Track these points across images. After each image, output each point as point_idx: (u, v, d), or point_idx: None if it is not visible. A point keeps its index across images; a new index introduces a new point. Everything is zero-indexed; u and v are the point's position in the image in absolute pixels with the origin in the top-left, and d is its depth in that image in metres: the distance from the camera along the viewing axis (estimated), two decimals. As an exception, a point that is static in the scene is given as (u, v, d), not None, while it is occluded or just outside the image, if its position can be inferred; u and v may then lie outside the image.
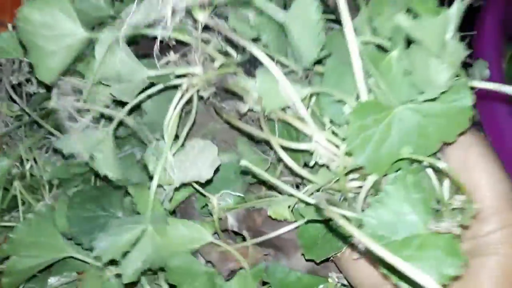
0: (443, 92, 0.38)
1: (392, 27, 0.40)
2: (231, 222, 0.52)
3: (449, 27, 0.37)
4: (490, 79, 0.64)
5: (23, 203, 0.68)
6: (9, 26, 0.71)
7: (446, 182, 0.42)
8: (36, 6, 0.46)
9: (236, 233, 0.54)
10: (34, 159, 0.69)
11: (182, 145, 0.49)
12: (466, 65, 0.47)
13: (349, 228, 0.34)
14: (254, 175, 0.52)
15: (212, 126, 0.56)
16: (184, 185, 0.48)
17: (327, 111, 0.45)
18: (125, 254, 0.48)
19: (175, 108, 0.47)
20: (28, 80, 0.69)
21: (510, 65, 0.82)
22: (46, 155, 0.69)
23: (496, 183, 0.40)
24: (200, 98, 0.50)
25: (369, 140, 0.40)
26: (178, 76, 0.48)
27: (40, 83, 0.68)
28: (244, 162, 0.44)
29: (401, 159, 0.40)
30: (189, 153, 0.47)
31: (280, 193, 0.51)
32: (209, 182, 0.49)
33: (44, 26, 0.47)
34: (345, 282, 0.50)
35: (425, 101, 0.39)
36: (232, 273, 0.52)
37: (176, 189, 0.48)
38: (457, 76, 0.38)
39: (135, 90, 0.48)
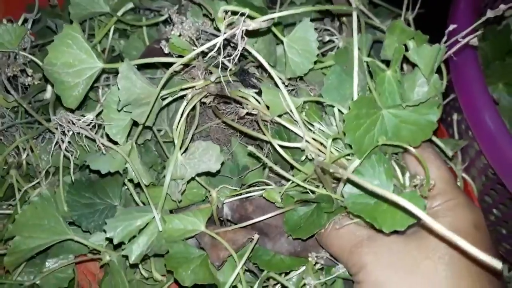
0: (420, 104, 0.47)
1: (396, 48, 0.50)
2: (226, 211, 0.59)
3: (439, 57, 0.45)
4: (465, 58, 0.66)
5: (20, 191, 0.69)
6: (4, 20, 0.73)
7: (407, 174, 0.52)
8: (58, 50, 0.53)
9: (230, 221, 0.60)
10: (31, 148, 0.71)
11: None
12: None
13: (352, 177, 0.42)
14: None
15: (208, 125, 0.62)
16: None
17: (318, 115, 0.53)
18: (131, 238, 0.55)
19: (181, 114, 0.53)
20: (23, 72, 0.70)
21: (484, 43, 0.84)
22: (42, 144, 0.71)
23: (441, 172, 0.53)
24: (203, 103, 0.55)
25: (359, 127, 0.49)
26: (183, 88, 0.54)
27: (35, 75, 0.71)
28: (250, 148, 0.52)
29: (376, 147, 0.49)
30: (195, 153, 0.53)
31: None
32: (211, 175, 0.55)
33: (66, 65, 0.53)
34: (322, 262, 0.57)
35: (405, 108, 0.48)
36: (223, 263, 0.57)
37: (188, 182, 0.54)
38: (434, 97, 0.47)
39: (154, 112, 0.53)
